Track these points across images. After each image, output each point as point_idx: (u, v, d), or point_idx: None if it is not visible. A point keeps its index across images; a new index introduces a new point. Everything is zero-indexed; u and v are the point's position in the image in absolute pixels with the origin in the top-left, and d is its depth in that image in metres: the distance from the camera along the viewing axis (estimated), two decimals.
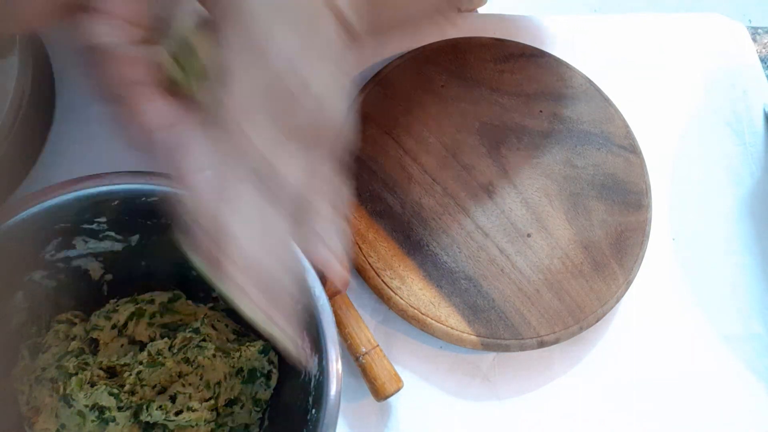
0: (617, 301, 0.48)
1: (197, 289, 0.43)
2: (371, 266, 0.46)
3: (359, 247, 0.47)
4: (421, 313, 0.45)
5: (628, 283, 0.48)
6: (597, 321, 0.47)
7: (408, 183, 0.49)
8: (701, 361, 0.49)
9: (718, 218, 0.53)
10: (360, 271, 0.47)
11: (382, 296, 0.46)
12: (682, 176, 0.55)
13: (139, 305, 0.42)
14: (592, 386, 0.48)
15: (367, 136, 0.50)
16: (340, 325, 0.44)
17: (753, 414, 0.48)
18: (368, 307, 0.48)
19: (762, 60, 0.59)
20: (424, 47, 0.54)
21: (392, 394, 0.43)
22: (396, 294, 0.46)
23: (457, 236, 0.48)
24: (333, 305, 0.44)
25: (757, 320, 0.50)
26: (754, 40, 0.60)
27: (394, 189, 0.49)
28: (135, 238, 0.40)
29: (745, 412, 0.48)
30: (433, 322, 0.45)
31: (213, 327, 0.42)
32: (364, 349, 0.43)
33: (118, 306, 0.42)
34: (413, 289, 0.46)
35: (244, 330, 0.43)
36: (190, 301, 0.43)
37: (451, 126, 0.51)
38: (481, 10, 0.73)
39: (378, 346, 0.44)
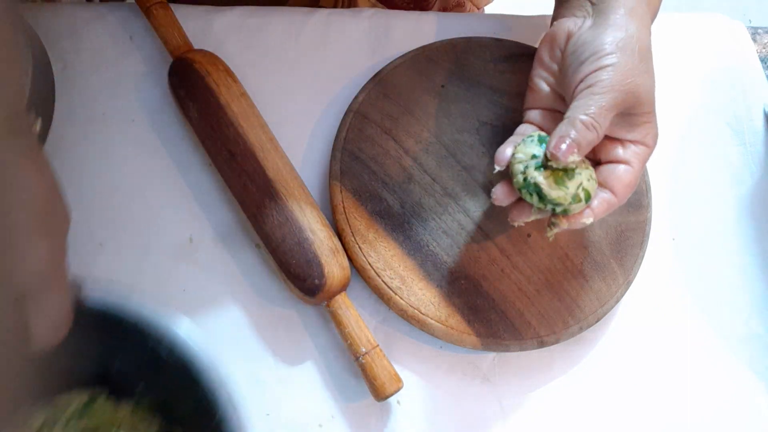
0: (617, 301, 0.48)
1: (121, 382, 0.40)
2: (371, 266, 0.46)
3: (359, 247, 0.47)
4: (421, 313, 0.45)
5: (628, 283, 0.48)
6: (597, 321, 0.47)
7: (408, 183, 0.49)
8: (701, 361, 0.49)
9: (718, 218, 0.53)
10: (360, 271, 0.47)
11: (382, 296, 0.46)
12: (682, 176, 0.55)
13: (54, 410, 0.38)
14: (592, 386, 0.48)
15: (367, 136, 0.50)
16: (340, 325, 0.44)
17: (753, 414, 0.48)
18: (368, 307, 0.48)
19: (762, 60, 0.59)
20: (424, 47, 0.54)
21: (392, 394, 0.43)
22: (396, 294, 0.46)
23: (457, 236, 0.48)
24: (333, 305, 0.45)
25: (757, 320, 0.50)
26: (754, 40, 0.60)
27: (394, 189, 0.49)
28: None
29: (745, 412, 0.48)
30: (433, 322, 0.45)
31: (134, 428, 0.39)
32: (364, 349, 0.43)
33: (29, 412, 0.37)
34: (413, 289, 0.46)
35: (169, 427, 0.40)
36: (113, 397, 0.40)
37: (451, 126, 0.51)
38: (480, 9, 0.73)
39: (378, 346, 0.44)
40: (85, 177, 0.49)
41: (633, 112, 0.42)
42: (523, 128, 0.46)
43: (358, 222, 0.47)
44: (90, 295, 0.36)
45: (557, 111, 0.45)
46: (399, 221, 0.48)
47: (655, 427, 0.47)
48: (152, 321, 0.36)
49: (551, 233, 0.42)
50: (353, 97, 0.51)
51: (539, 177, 0.40)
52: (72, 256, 0.47)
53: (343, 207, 0.48)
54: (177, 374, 0.37)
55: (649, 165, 0.52)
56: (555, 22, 0.45)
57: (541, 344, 0.46)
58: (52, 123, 0.50)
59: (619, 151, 0.42)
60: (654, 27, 0.60)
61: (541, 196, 0.40)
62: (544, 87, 0.46)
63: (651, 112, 0.42)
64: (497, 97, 0.52)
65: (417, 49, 0.54)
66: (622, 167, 0.42)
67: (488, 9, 0.72)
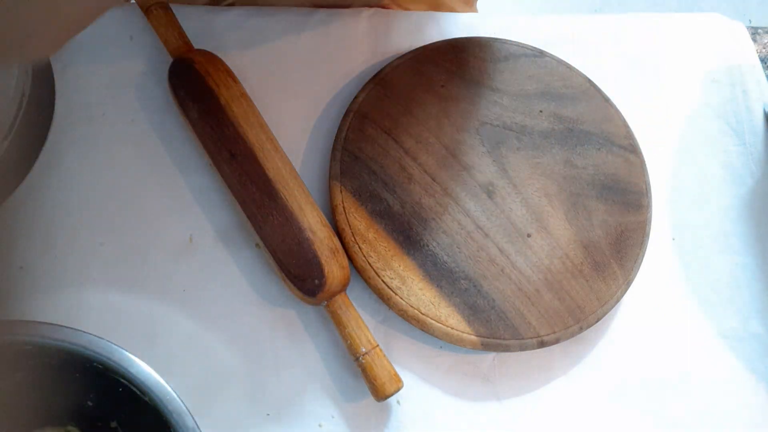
0: (617, 301, 0.48)
1: (94, 419, 0.40)
2: (371, 266, 0.46)
3: (359, 247, 0.47)
4: (421, 313, 0.45)
5: (628, 283, 0.48)
6: (597, 321, 0.47)
7: (408, 183, 0.49)
8: (701, 361, 0.49)
9: (718, 218, 0.53)
10: (360, 271, 0.47)
11: (382, 296, 0.46)
12: (682, 176, 0.55)
13: None
14: (592, 386, 0.48)
15: (367, 136, 0.50)
16: (339, 325, 0.44)
17: (753, 414, 0.48)
18: (368, 307, 0.48)
19: (762, 60, 0.59)
20: (424, 47, 0.54)
21: (392, 394, 0.43)
22: (396, 294, 0.46)
23: (457, 236, 0.48)
24: (333, 305, 0.45)
25: (757, 320, 0.50)
26: (754, 40, 0.60)
27: (394, 189, 0.49)
28: (19, 375, 0.37)
29: (745, 412, 0.48)
30: (433, 322, 0.45)
31: None
32: (364, 349, 0.43)
33: None
34: (413, 289, 0.46)
35: None
36: None
37: (451, 126, 0.51)
38: (481, 10, 0.73)
39: (378, 346, 0.44)
40: (85, 177, 0.49)
41: None
42: None
43: (358, 222, 0.47)
44: (60, 336, 0.37)
45: None
46: (399, 221, 0.48)
47: (655, 427, 0.47)
48: (121, 361, 0.37)
49: None
50: (353, 97, 0.51)
51: None
52: (72, 256, 0.47)
53: (343, 207, 0.48)
54: (150, 412, 0.37)
55: (649, 165, 0.52)
56: None
57: (541, 344, 0.46)
58: (52, 123, 0.50)
59: None
60: (654, 27, 0.60)
61: None
62: None
63: None
64: (497, 97, 0.53)
65: (417, 49, 0.54)
66: None
67: (487, 9, 0.72)
